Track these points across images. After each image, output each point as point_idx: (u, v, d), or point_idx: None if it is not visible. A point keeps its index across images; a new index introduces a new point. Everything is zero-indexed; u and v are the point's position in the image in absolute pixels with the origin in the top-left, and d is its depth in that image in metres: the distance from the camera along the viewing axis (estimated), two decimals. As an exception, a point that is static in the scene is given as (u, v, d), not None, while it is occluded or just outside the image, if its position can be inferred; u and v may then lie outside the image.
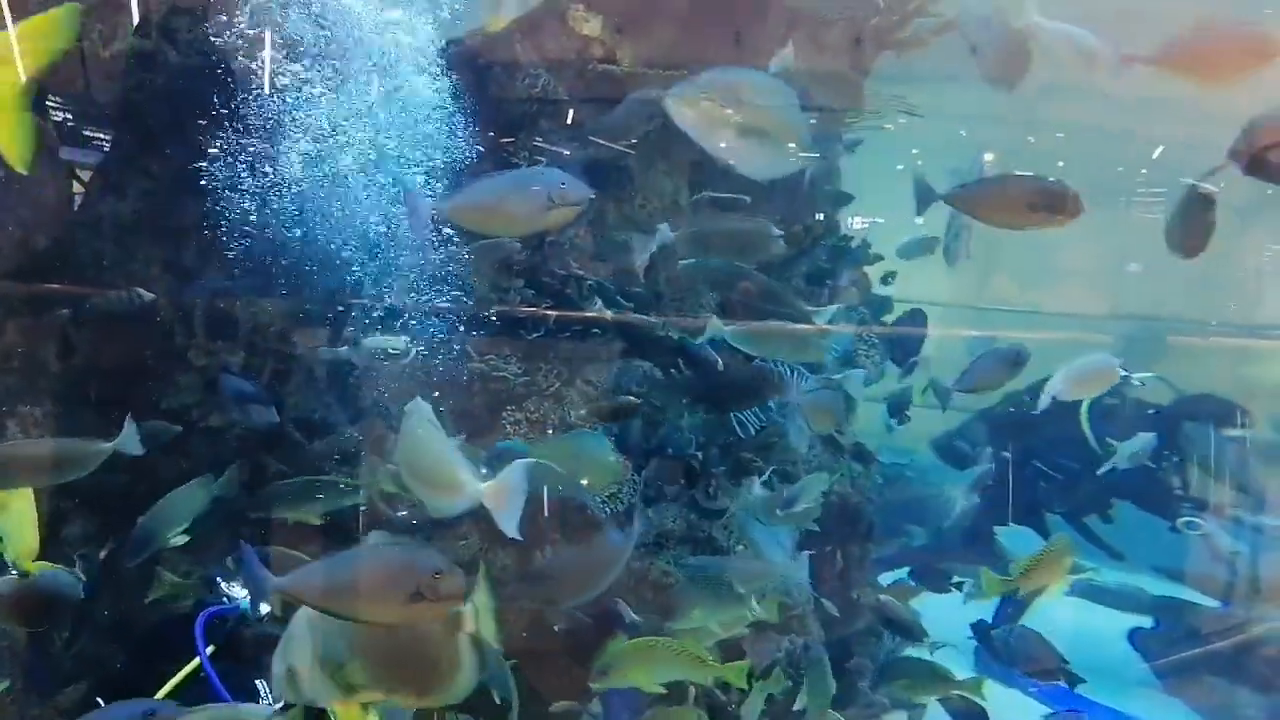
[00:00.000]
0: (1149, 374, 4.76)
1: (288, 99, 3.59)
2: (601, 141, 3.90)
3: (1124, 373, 3.44)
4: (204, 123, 3.28)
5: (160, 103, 3.47)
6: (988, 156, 4.29)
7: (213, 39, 3.44)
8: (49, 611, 2.67)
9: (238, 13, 3.50)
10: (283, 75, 3.58)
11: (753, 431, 4.19)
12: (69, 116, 3.41)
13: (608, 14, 3.94)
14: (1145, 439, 4.50)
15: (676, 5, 3.90)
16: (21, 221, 3.53)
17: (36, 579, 2.57)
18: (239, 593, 3.20)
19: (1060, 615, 5.35)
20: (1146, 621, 5.25)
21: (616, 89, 4.15)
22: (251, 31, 3.51)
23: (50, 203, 3.58)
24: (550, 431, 4.01)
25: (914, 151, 3.84)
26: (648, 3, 3.99)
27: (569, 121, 4.06)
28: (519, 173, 3.09)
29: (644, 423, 4.07)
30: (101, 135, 3.44)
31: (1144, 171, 6.62)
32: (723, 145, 2.43)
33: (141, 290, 3.34)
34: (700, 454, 4.06)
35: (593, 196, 2.60)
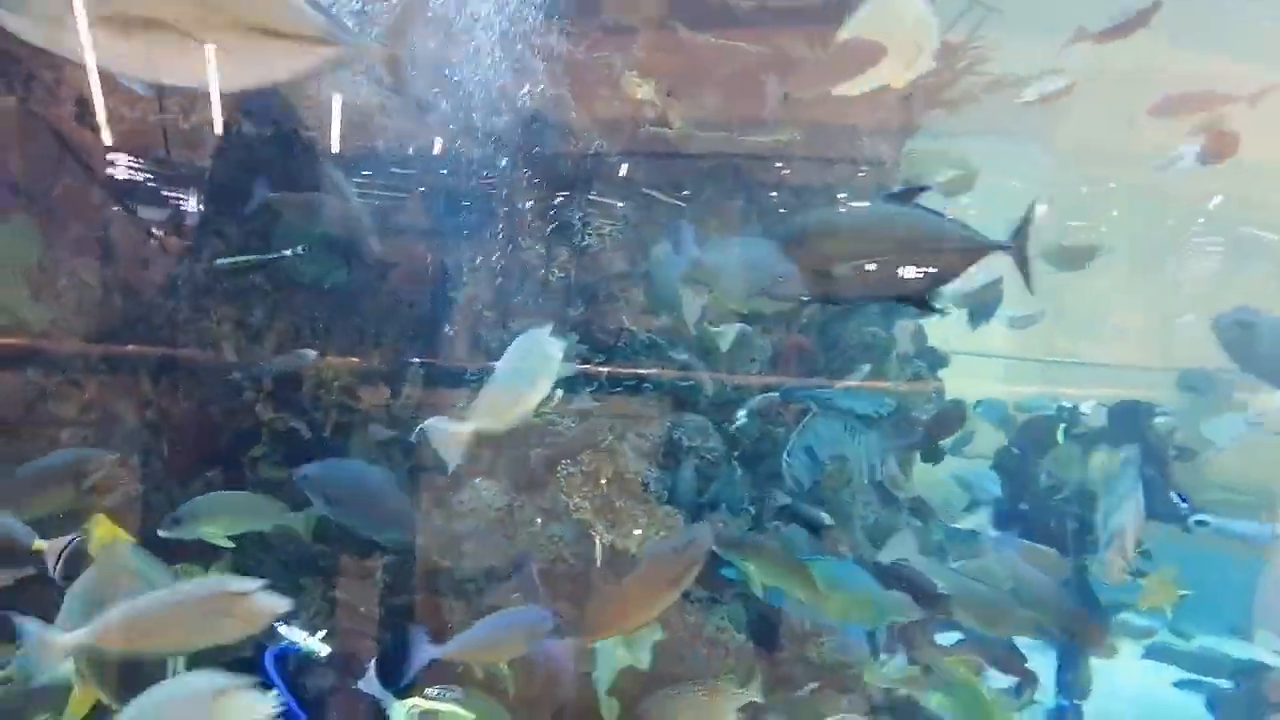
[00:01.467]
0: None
1: (352, 165, 3.76)
2: (656, 195, 3.99)
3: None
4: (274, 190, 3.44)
5: (234, 171, 3.65)
6: (1041, 208, 4.28)
7: (284, 112, 3.63)
8: None
9: (308, 87, 3.70)
10: (350, 143, 3.76)
11: (806, 486, 4.17)
12: (149, 181, 3.60)
13: (659, 79, 4.06)
14: None
15: (725, 68, 4.01)
16: (103, 281, 3.72)
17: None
18: (297, 635, 3.26)
19: (1133, 679, 5.15)
20: (1225, 686, 5.01)
21: (667, 148, 4.26)
22: (321, 102, 3.71)
23: (128, 263, 3.76)
24: (603, 483, 4.04)
25: (964, 202, 3.84)
26: (696, 67, 4.10)
27: (621, 178, 4.17)
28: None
29: (697, 475, 4.08)
30: (179, 199, 3.62)
31: (1201, 221, 6.52)
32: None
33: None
34: (753, 508, 4.05)
35: (806, 298, 2.42)
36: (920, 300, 2.25)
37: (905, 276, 2.24)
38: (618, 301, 4.18)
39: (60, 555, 2.29)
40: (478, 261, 4.00)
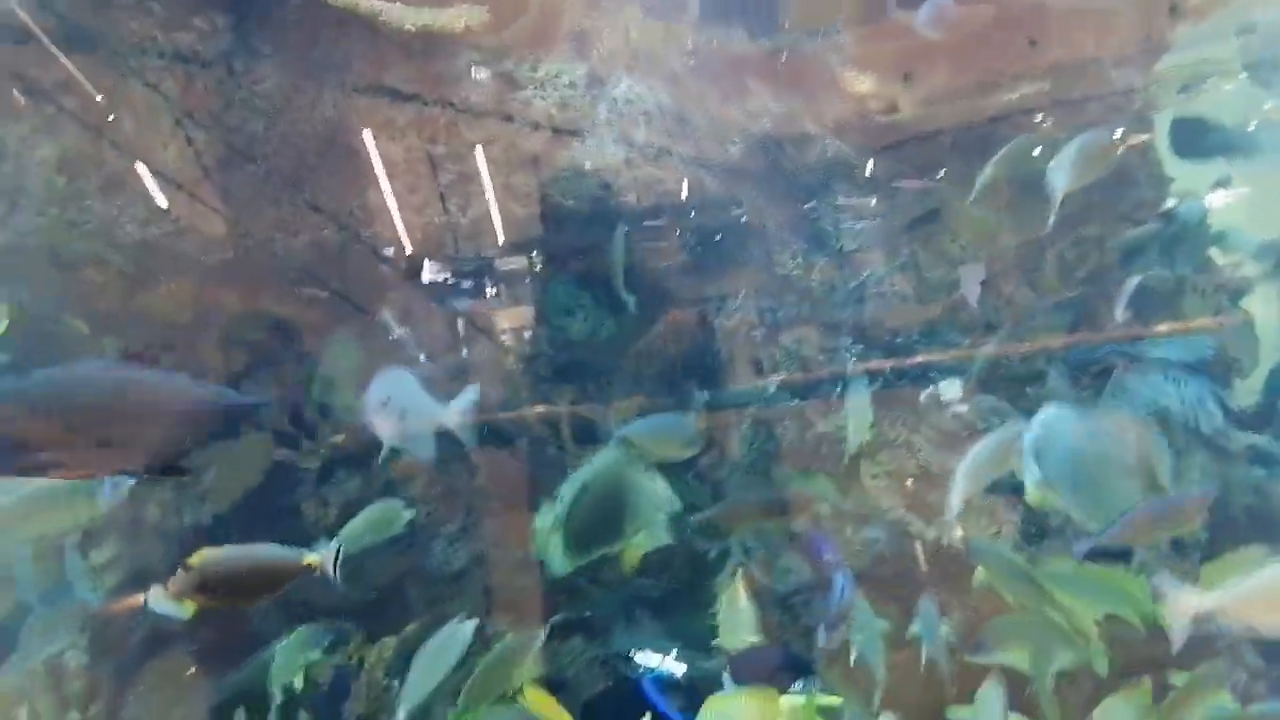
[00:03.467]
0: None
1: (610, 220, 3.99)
2: (906, 185, 3.91)
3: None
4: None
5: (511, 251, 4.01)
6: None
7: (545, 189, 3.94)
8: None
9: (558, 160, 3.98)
10: (602, 203, 3.99)
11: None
12: (446, 275, 4.00)
13: (884, 67, 4.01)
14: None
15: (954, 37, 3.88)
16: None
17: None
18: (653, 660, 3.42)
19: None
20: None
21: (900, 134, 4.18)
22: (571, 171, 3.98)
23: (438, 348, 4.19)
24: (909, 482, 3.95)
25: (1266, 107, 3.41)
26: (919, 46, 4.00)
27: (865, 175, 4.13)
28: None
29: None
30: (472, 287, 3.98)
31: None
32: None
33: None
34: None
35: None
36: (168, 469, 1.97)
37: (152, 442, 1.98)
38: (885, 296, 4.12)
39: (335, 562, 2.39)
40: (740, 286, 4.09)
